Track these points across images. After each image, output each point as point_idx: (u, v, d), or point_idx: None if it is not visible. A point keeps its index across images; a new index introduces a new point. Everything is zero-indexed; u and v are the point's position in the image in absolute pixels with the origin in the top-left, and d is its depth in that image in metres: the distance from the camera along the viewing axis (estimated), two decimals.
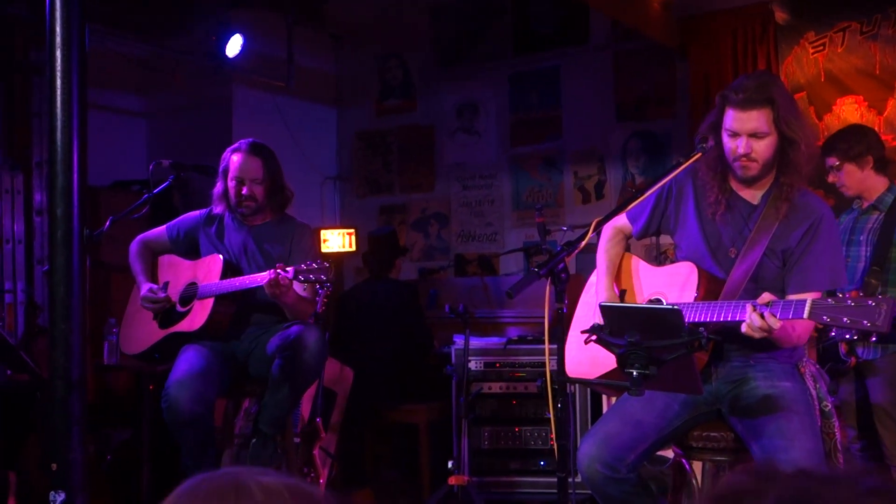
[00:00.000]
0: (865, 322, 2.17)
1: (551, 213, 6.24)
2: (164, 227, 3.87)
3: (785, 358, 2.66)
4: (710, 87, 5.45)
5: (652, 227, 2.91)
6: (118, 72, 6.09)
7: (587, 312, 2.86)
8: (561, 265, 2.33)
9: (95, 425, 4.66)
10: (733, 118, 2.60)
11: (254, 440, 3.57)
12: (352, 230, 6.23)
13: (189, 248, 3.81)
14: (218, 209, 3.74)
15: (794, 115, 2.63)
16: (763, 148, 2.60)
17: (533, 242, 6.05)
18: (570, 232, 5.28)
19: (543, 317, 2.36)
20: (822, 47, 5.36)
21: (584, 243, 2.41)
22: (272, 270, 3.31)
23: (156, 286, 3.74)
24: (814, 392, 2.62)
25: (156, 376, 4.42)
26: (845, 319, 2.21)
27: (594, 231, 2.48)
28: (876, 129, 4.48)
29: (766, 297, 2.39)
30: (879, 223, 3.53)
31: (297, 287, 3.46)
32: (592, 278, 3.01)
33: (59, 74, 2.54)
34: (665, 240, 4.37)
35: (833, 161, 3.64)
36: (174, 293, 3.71)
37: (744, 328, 2.37)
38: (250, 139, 3.75)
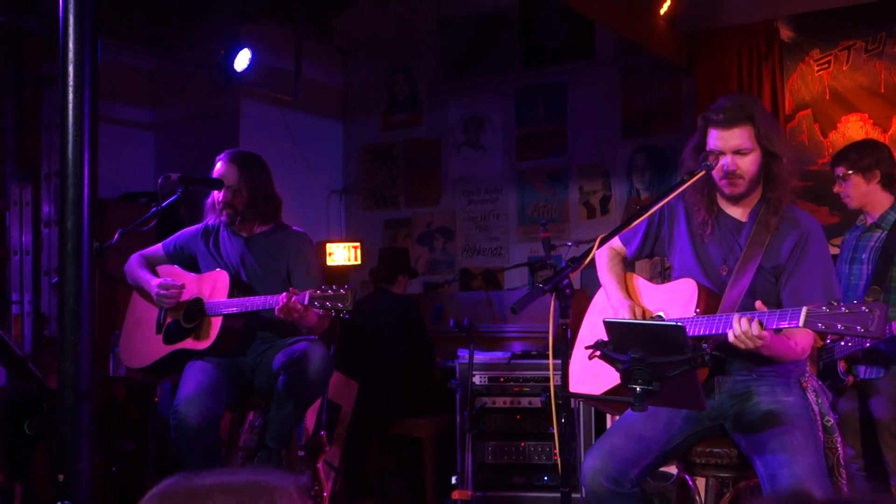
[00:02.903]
0: (859, 328, 2.20)
1: (556, 228, 6.26)
2: (160, 244, 3.86)
3: (787, 372, 2.68)
4: None
5: (645, 250, 2.95)
6: (128, 84, 6.14)
7: (592, 332, 2.86)
8: (566, 281, 2.35)
9: (101, 436, 4.67)
10: (717, 137, 2.66)
11: (259, 454, 3.58)
12: (357, 243, 6.25)
13: (186, 262, 3.79)
14: (210, 220, 3.74)
15: (775, 131, 2.72)
16: (748, 164, 2.66)
17: (538, 257, 6.06)
18: (574, 247, 5.29)
19: (548, 332, 2.37)
20: (827, 65, 5.38)
21: (588, 259, 2.43)
22: (284, 294, 3.28)
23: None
24: (816, 407, 2.64)
25: (159, 388, 4.44)
26: (840, 326, 2.23)
27: (598, 247, 2.50)
28: None
29: (760, 304, 2.43)
30: (881, 242, 3.52)
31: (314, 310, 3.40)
32: (597, 298, 3.02)
33: (71, 88, 2.57)
34: None
35: (841, 170, 3.62)
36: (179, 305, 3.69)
37: (730, 337, 2.40)
38: (237, 148, 3.78)
